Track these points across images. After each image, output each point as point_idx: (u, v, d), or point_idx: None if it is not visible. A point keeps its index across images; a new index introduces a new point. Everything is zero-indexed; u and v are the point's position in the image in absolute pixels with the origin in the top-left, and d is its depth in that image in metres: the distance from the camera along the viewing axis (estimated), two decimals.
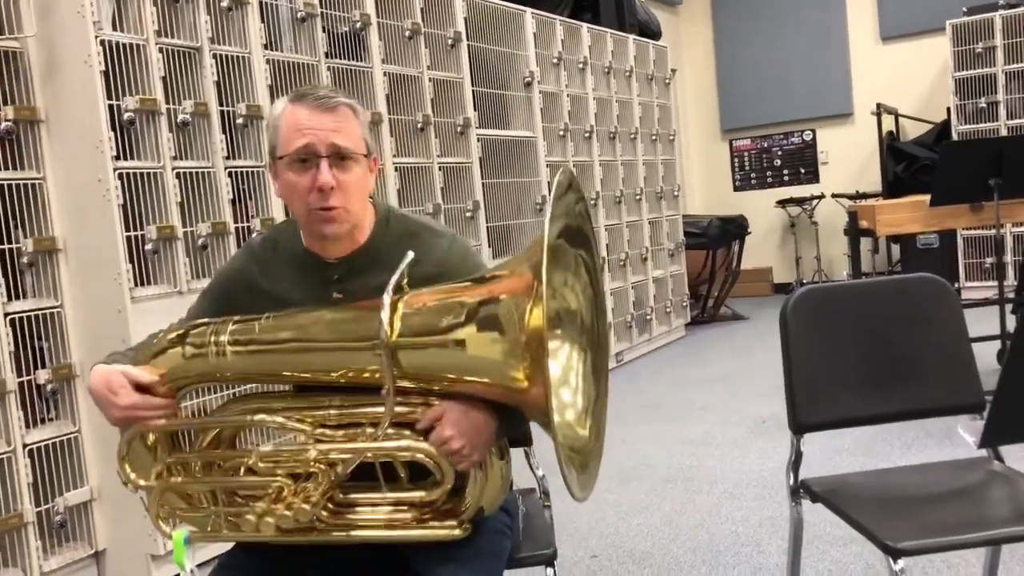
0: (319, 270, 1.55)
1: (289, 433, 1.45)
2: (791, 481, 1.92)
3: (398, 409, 1.38)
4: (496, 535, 1.54)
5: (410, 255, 1.40)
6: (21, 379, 2.79)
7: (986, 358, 2.91)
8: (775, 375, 1.97)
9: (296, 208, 1.49)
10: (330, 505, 1.44)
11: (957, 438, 3.26)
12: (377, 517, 1.44)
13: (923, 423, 3.41)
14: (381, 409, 1.38)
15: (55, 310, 2.90)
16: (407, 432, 1.40)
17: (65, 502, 2.87)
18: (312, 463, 1.41)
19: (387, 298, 1.33)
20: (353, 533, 1.43)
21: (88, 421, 2.95)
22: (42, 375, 2.86)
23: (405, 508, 1.44)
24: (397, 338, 1.34)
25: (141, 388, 1.45)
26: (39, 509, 2.81)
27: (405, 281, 1.39)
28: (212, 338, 1.45)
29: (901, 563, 1.56)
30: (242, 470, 1.47)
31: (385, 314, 1.32)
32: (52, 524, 2.86)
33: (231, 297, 1.59)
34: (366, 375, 1.40)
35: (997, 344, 3.99)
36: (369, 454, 1.40)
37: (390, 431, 1.38)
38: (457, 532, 1.42)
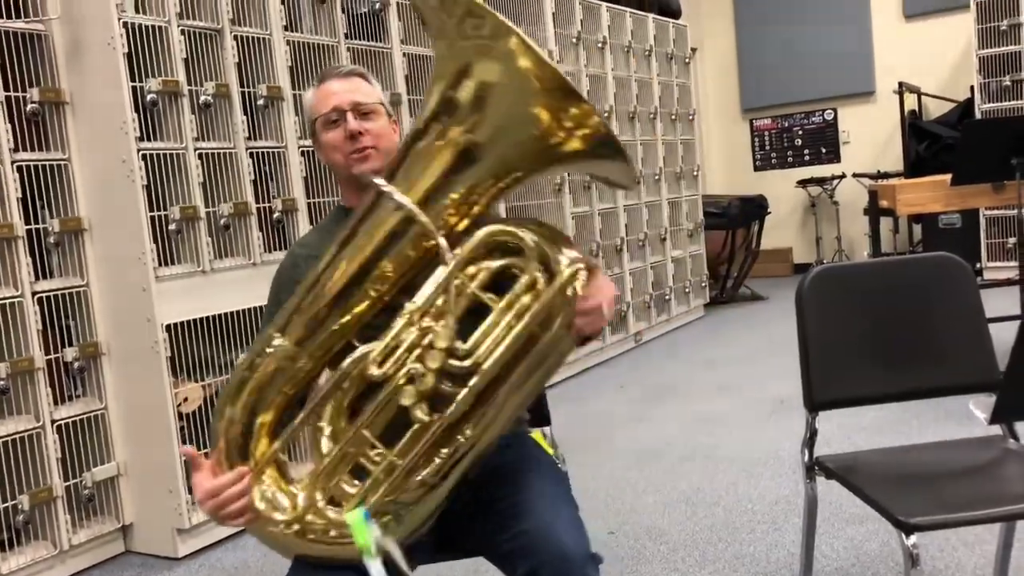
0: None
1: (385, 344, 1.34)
2: (805, 458, 1.94)
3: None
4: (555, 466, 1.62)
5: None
6: (49, 357, 2.85)
7: (1007, 338, 2.89)
8: (793, 356, 1.98)
9: (336, 162, 1.66)
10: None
11: (976, 419, 3.25)
12: (507, 319, 1.33)
13: (942, 403, 3.39)
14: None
15: (81, 289, 2.95)
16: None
17: (93, 477, 2.94)
18: (425, 315, 1.32)
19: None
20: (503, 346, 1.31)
21: (115, 398, 3.02)
22: (69, 353, 2.92)
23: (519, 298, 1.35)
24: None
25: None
26: (67, 484, 2.87)
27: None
28: (264, 347, 1.39)
29: (913, 538, 1.58)
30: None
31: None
32: (80, 498, 2.93)
33: (289, 287, 1.53)
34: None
35: (1018, 324, 3.97)
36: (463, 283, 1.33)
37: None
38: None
